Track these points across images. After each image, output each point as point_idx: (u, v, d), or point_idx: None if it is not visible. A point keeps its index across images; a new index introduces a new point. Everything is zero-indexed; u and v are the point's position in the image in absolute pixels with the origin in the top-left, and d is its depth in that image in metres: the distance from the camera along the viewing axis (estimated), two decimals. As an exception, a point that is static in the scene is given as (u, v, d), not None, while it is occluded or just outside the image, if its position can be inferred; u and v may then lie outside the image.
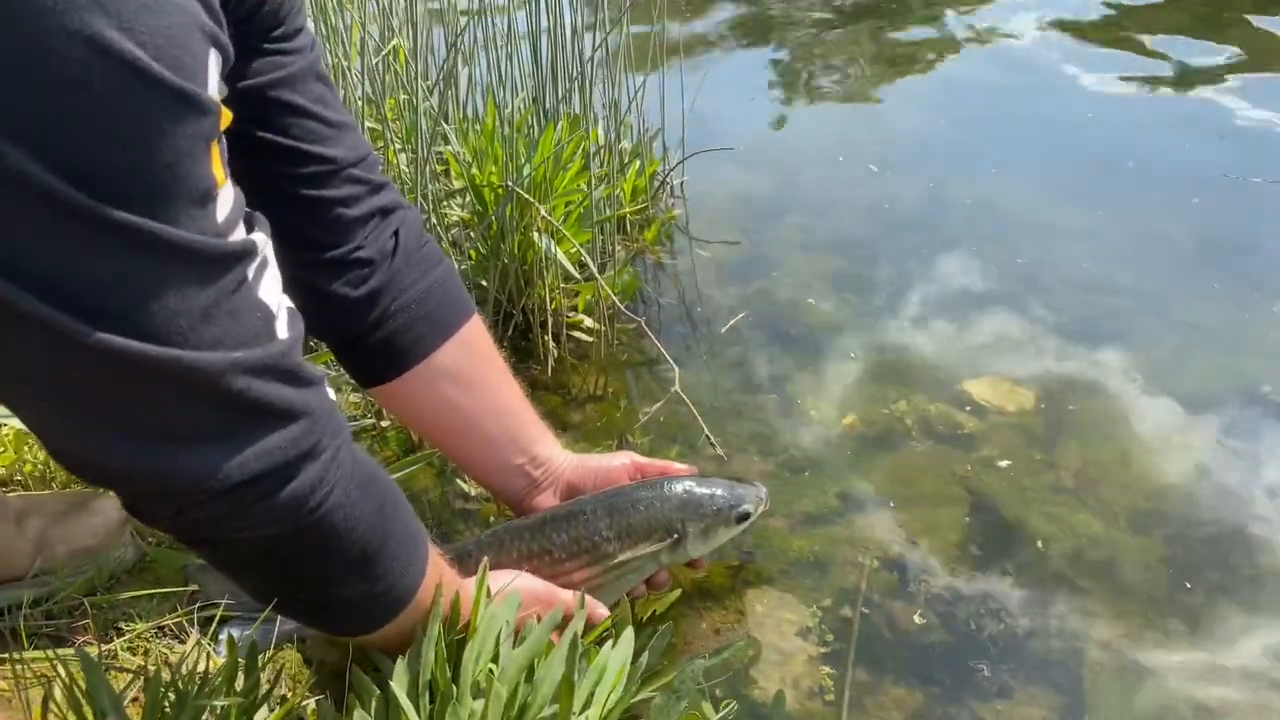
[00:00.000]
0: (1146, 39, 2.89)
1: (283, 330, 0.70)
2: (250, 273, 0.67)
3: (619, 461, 1.19)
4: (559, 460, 1.17)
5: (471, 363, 1.11)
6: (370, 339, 1.04)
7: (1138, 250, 1.94)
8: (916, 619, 1.17)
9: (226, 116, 0.64)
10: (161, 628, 1.01)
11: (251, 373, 0.66)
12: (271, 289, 0.70)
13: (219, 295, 0.64)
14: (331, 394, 0.76)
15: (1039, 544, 1.27)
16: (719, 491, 1.14)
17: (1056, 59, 2.81)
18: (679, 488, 1.13)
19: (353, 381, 1.19)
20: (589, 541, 1.09)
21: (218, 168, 0.63)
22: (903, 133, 2.43)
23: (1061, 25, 3.03)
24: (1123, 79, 2.66)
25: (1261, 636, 1.15)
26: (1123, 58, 2.78)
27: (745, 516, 1.15)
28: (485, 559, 0.95)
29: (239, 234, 0.66)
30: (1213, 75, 2.65)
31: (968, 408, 1.51)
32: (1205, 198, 2.11)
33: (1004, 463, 1.40)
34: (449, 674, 0.85)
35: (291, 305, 0.74)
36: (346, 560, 0.78)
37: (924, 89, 2.72)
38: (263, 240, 0.69)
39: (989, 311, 1.75)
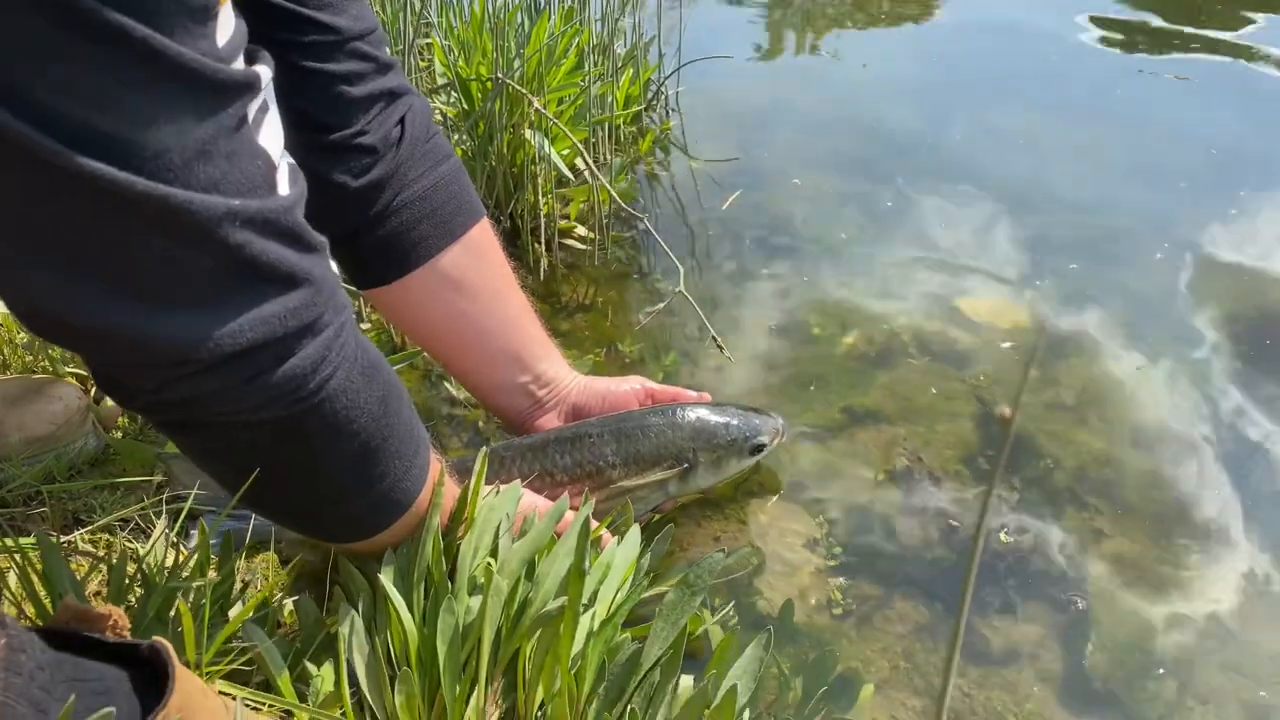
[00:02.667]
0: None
1: (285, 185, 0.61)
2: (251, 112, 0.58)
3: (629, 386, 1.12)
4: (565, 381, 1.10)
5: (479, 270, 1.02)
6: (368, 236, 0.95)
7: (1135, 170, 1.91)
8: (922, 534, 1.13)
9: None
10: (125, 520, 0.94)
11: (251, 226, 0.57)
12: (273, 137, 0.61)
13: (217, 131, 0.55)
14: (335, 266, 0.68)
15: (1043, 462, 1.24)
16: (734, 421, 1.08)
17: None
18: (692, 415, 1.07)
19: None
20: (593, 465, 1.03)
21: None
22: (902, 55, 2.36)
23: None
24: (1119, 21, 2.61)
25: (1267, 552, 1.13)
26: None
27: (760, 448, 1.09)
28: (484, 449, 0.88)
29: (240, 64, 0.57)
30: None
31: (967, 326, 1.47)
32: (1204, 117, 2.07)
33: (1003, 379, 1.36)
34: (445, 567, 0.79)
35: (293, 161, 0.65)
36: (345, 455, 0.69)
37: (928, 16, 2.64)
38: (266, 77, 0.60)
39: (986, 229, 1.70)
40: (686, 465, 1.06)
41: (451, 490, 0.84)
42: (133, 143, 0.51)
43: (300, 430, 0.66)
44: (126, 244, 0.54)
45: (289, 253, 0.61)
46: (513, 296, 1.06)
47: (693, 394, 1.14)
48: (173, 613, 0.73)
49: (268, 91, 0.61)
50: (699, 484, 1.09)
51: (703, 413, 1.08)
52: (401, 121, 0.94)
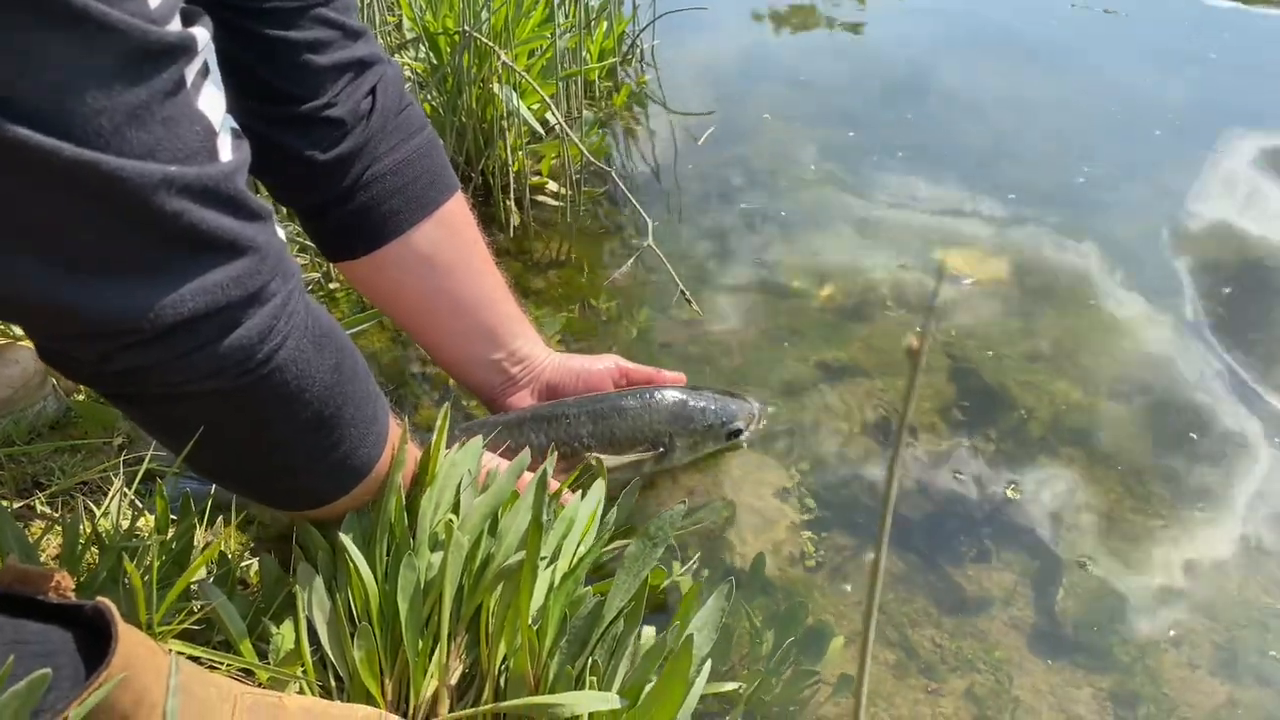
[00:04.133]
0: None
1: (226, 151, 0.59)
2: (189, 75, 0.56)
3: (603, 365, 1.10)
4: (539, 358, 1.08)
5: (452, 245, 1.00)
6: (338, 210, 0.93)
7: (1113, 121, 1.89)
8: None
9: None
10: (86, 483, 0.92)
11: (188, 194, 0.55)
12: (213, 102, 0.59)
13: (150, 96, 0.53)
14: (281, 233, 0.66)
15: (1019, 412, 1.23)
16: (710, 405, 1.08)
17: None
18: (669, 398, 1.06)
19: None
20: (568, 446, 1.02)
21: None
22: (884, 9, 2.32)
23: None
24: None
25: (1241, 500, 1.13)
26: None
27: (736, 433, 1.09)
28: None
29: (175, 25, 0.55)
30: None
31: (943, 277, 1.46)
32: (1180, 65, 2.04)
33: (981, 331, 1.35)
34: (406, 524, 0.78)
35: (236, 126, 0.63)
36: (298, 424, 0.68)
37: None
38: (204, 39, 0.57)
39: (964, 181, 1.69)
40: (662, 449, 1.05)
41: (413, 453, 0.83)
42: (59, 108, 0.49)
43: (250, 401, 0.64)
44: (59, 213, 0.52)
45: (230, 220, 0.59)
46: (487, 272, 1.04)
47: (669, 374, 1.12)
48: (154, 577, 0.72)
49: (207, 54, 0.59)
50: (674, 463, 1.09)
51: (680, 396, 1.07)
52: (373, 92, 0.91)
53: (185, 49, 0.55)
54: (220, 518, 0.88)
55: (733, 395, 1.12)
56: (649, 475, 1.09)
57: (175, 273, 0.57)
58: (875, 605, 0.25)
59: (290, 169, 0.88)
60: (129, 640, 0.58)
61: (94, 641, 0.58)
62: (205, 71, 0.58)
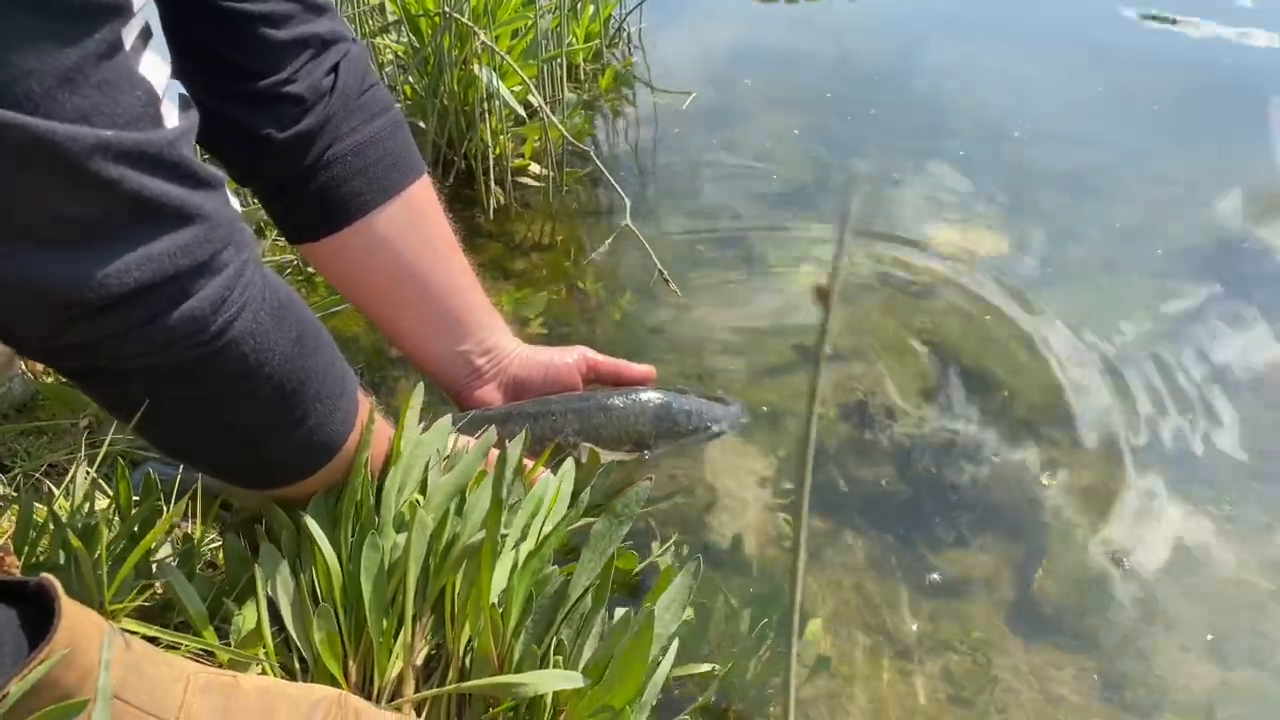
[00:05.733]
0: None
1: (171, 117, 0.57)
2: (126, 38, 0.54)
3: (571, 358, 1.06)
4: (507, 351, 1.04)
5: (416, 230, 0.97)
6: (298, 191, 0.90)
7: (1112, 104, 1.87)
8: (874, 468, 1.12)
9: None
10: (54, 465, 0.91)
11: (127, 160, 0.53)
12: (156, 68, 0.57)
13: (83, 58, 0.51)
14: (235, 203, 0.64)
15: (1003, 393, 1.22)
16: (694, 409, 1.07)
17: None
18: (655, 400, 1.05)
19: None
20: (552, 442, 0.99)
21: None
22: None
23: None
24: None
25: (1225, 479, 1.12)
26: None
27: (717, 435, 1.08)
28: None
29: None
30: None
31: (932, 258, 1.44)
32: (1179, 53, 2.03)
33: (968, 312, 1.34)
34: (371, 504, 0.77)
35: (185, 93, 0.61)
36: (259, 399, 0.66)
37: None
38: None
39: (958, 162, 1.67)
40: (646, 451, 1.04)
41: (386, 431, 0.82)
42: None
43: (207, 375, 0.62)
44: None
45: (175, 188, 0.57)
46: (453, 259, 1.01)
47: (638, 367, 1.09)
48: (97, 554, 0.71)
49: (147, 16, 0.57)
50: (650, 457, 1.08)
51: (665, 399, 1.06)
52: (334, 70, 0.88)
53: (118, 8, 0.53)
54: (187, 501, 0.87)
55: (718, 399, 1.11)
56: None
57: (119, 241, 0.55)
58: (804, 531, 0.23)
59: (246, 147, 0.86)
60: (74, 617, 0.57)
61: (40, 619, 0.57)
62: (146, 35, 0.57)
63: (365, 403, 0.79)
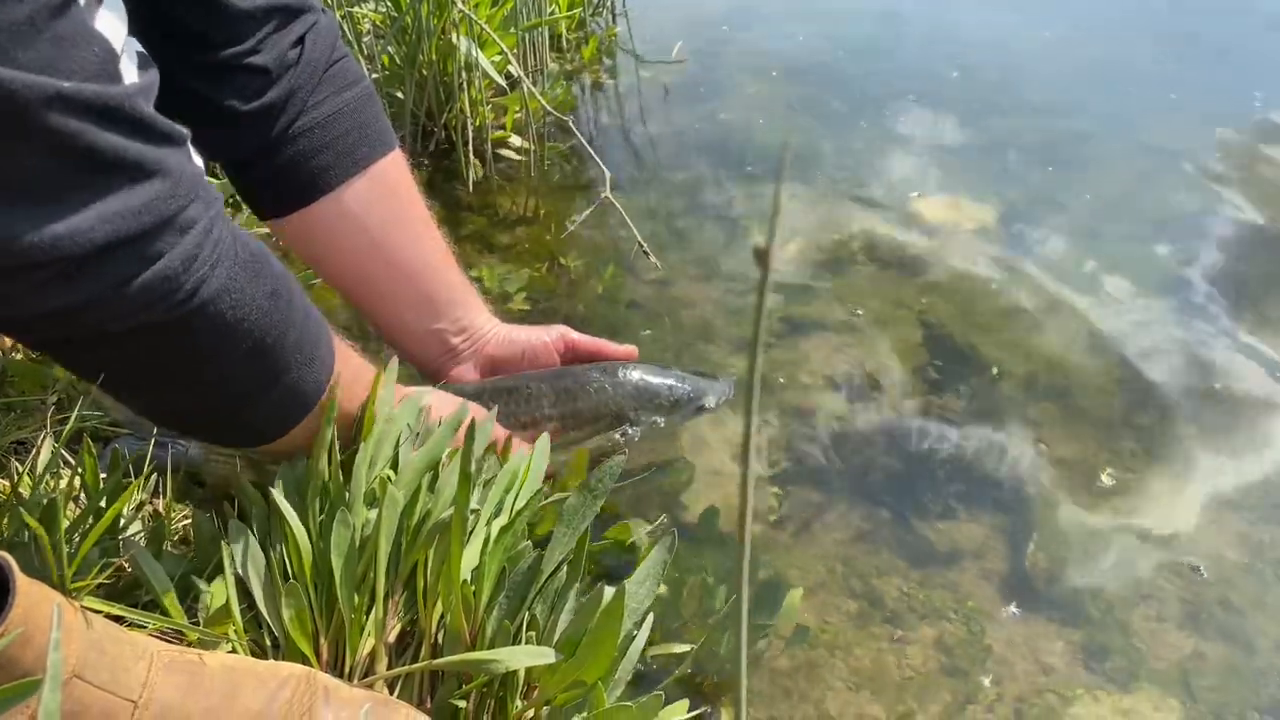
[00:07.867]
0: None
1: (130, 73, 0.56)
2: None
3: (549, 337, 1.03)
4: (483, 329, 1.02)
5: (387, 205, 0.94)
6: (264, 164, 0.88)
7: (1100, 73, 1.85)
8: (863, 442, 1.11)
9: None
10: (21, 444, 0.89)
11: (87, 113, 0.52)
12: (113, 23, 0.55)
13: (34, 11, 0.49)
14: (199, 160, 0.62)
15: (992, 369, 1.21)
16: (678, 384, 1.03)
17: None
18: (634, 375, 1.01)
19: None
20: (528, 417, 0.97)
21: None
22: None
23: None
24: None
25: (1214, 457, 1.11)
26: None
27: (703, 410, 1.05)
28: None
29: None
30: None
31: (920, 230, 1.42)
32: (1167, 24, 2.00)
33: (956, 285, 1.33)
34: (340, 479, 0.76)
35: (144, 51, 0.59)
36: (240, 355, 0.65)
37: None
38: None
39: (947, 132, 1.65)
40: (628, 427, 1.01)
41: (363, 376, 0.80)
42: None
43: (186, 334, 0.61)
44: None
45: (134, 144, 0.55)
46: (426, 236, 0.98)
47: (619, 347, 1.06)
48: (58, 533, 0.70)
49: None
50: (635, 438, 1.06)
51: (645, 374, 1.02)
52: (301, 41, 0.86)
53: None
54: (158, 477, 0.85)
55: (703, 375, 1.08)
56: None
57: (76, 198, 0.53)
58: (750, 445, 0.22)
59: (214, 119, 0.83)
60: (31, 595, 0.55)
61: (-4, 598, 0.55)
62: None
63: (346, 354, 0.78)
